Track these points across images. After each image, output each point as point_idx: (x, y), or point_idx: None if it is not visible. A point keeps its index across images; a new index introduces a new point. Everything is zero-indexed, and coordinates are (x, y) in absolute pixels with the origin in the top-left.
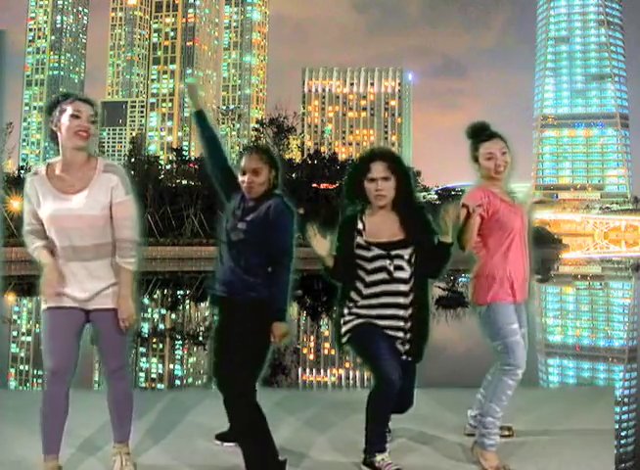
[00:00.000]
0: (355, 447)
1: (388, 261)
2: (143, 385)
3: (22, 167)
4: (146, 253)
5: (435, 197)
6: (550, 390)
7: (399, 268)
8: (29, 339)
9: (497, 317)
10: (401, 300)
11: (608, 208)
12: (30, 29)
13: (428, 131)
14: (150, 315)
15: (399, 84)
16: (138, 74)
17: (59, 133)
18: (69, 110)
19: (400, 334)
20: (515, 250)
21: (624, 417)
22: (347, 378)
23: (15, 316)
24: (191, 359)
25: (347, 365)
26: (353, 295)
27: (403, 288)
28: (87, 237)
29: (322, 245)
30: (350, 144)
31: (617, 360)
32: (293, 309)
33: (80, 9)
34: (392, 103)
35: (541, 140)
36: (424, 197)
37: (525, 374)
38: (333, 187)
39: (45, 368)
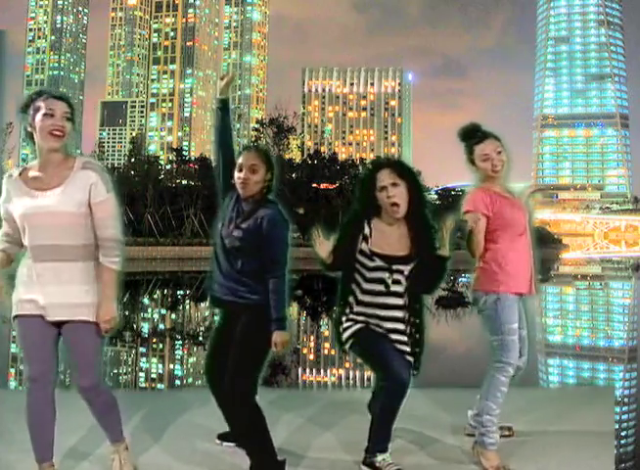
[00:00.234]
0: (355, 447)
1: (387, 274)
2: (143, 385)
3: None
4: (146, 253)
5: (435, 197)
6: (550, 390)
7: (397, 282)
8: None
9: (501, 313)
10: (398, 313)
11: (608, 208)
12: (30, 29)
13: (428, 131)
14: (150, 315)
15: (399, 84)
16: (138, 74)
17: (34, 133)
18: (42, 108)
19: (399, 346)
20: (521, 244)
21: (624, 417)
22: (347, 378)
23: None
24: (191, 359)
25: (347, 365)
26: (350, 298)
27: (399, 301)
28: (60, 236)
29: (324, 247)
30: (350, 144)
31: (617, 360)
32: (293, 309)
33: (80, 9)
34: (392, 103)
35: (541, 140)
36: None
37: (525, 374)
38: (333, 187)
39: (25, 377)
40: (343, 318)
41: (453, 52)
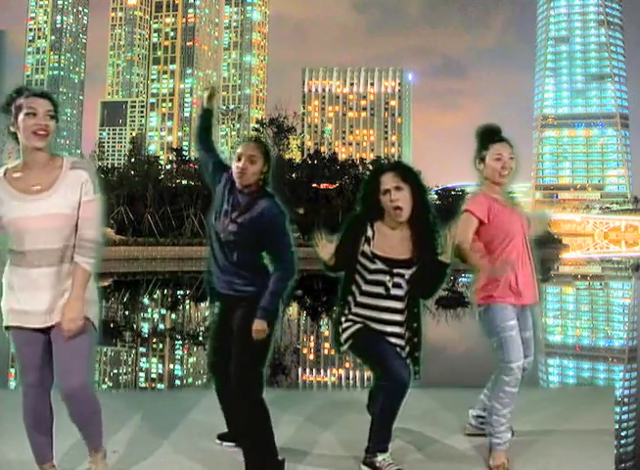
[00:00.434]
0: (355, 447)
1: (387, 278)
2: (143, 385)
3: None
4: (146, 253)
5: (435, 197)
6: (550, 390)
7: (397, 286)
8: None
9: (494, 316)
10: (397, 317)
11: (608, 208)
12: (30, 29)
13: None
14: (150, 315)
15: (399, 84)
16: (138, 74)
17: (18, 133)
18: (24, 107)
19: (397, 349)
20: (517, 254)
21: (624, 417)
22: (347, 378)
23: None
24: (191, 359)
25: (347, 365)
26: (349, 299)
27: (398, 305)
28: (54, 239)
29: (327, 249)
30: (350, 144)
31: (617, 360)
32: (293, 309)
33: (80, 9)
34: (392, 103)
35: (541, 140)
36: None
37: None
38: (333, 187)
39: (22, 383)
40: (343, 319)
41: (453, 52)
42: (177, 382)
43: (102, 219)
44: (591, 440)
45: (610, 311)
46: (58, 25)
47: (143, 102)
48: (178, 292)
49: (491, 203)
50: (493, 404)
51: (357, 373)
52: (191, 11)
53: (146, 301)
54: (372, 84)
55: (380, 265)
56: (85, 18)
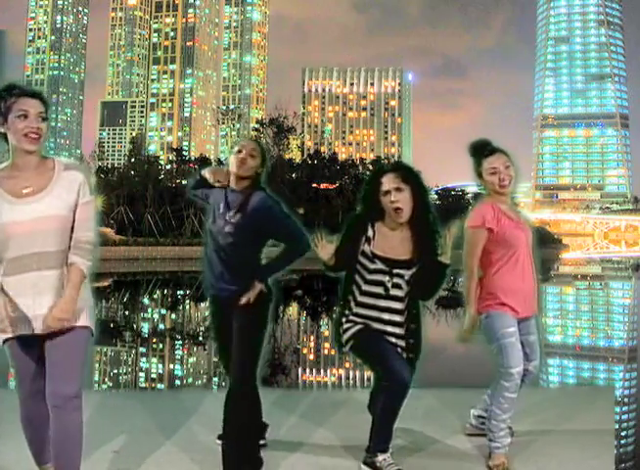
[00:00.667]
0: (356, 447)
1: (387, 278)
2: (143, 385)
3: None
4: (146, 253)
5: (435, 197)
6: (550, 390)
7: (397, 286)
8: None
9: (494, 323)
10: (397, 317)
11: (608, 208)
12: (30, 29)
13: (428, 131)
14: (150, 315)
15: (399, 84)
16: (138, 74)
17: (8, 134)
18: (15, 109)
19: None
20: (519, 265)
21: (624, 417)
22: (347, 378)
23: None
24: (191, 359)
25: (347, 365)
26: (350, 298)
27: (398, 306)
28: (48, 242)
29: (326, 250)
30: (350, 144)
31: (617, 360)
32: (293, 309)
33: (80, 9)
34: (392, 103)
35: (541, 140)
36: None
37: None
38: (333, 187)
39: (19, 392)
40: (343, 319)
41: (453, 52)
42: (177, 382)
43: (98, 220)
44: (591, 440)
45: (610, 311)
46: (58, 25)
47: (143, 102)
48: (178, 292)
49: (497, 212)
50: (493, 409)
51: (357, 373)
52: (191, 11)
53: (146, 301)
54: (372, 84)
55: (379, 265)
56: (85, 18)
